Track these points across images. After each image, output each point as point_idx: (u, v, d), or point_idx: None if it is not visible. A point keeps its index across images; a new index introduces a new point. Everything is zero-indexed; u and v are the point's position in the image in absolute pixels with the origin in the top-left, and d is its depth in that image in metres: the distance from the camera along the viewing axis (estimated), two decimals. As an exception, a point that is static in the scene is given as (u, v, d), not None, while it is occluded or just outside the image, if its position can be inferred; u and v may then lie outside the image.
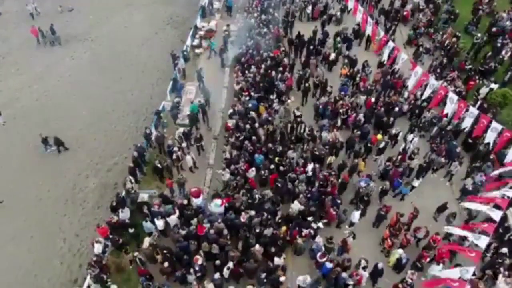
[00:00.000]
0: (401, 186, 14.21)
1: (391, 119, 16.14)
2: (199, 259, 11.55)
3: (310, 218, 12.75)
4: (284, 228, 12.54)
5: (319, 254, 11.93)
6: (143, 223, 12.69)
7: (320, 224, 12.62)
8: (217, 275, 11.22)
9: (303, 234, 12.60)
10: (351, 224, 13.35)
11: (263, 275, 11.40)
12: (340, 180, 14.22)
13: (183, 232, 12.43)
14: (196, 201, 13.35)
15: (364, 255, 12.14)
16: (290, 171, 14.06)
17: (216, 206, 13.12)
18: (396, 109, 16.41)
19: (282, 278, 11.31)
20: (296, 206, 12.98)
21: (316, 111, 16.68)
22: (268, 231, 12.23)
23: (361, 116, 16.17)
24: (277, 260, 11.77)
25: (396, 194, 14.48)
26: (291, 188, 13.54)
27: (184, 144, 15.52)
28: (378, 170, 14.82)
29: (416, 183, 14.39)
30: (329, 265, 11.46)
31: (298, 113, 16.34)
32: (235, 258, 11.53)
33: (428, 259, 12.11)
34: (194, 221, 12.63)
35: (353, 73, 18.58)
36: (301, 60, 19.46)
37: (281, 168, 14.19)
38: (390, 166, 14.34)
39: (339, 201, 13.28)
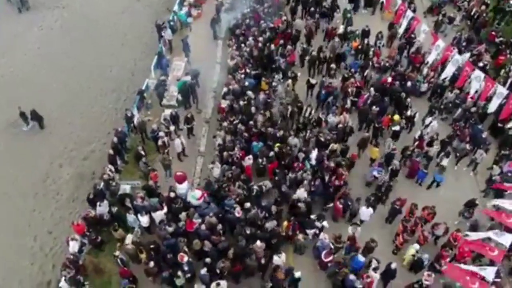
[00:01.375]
0: (436, 174, 14.25)
1: (404, 96, 16.13)
2: (185, 257, 11.54)
3: (313, 216, 12.74)
4: (285, 223, 12.60)
5: (324, 252, 11.93)
6: (127, 215, 12.72)
7: (325, 223, 12.61)
8: (203, 271, 11.25)
9: (308, 234, 12.65)
10: (360, 221, 13.25)
11: (269, 285, 11.44)
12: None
13: (171, 229, 12.37)
14: (180, 188, 13.35)
15: (375, 254, 12.14)
16: (291, 161, 14.01)
17: (193, 198, 13.10)
18: (408, 84, 16.24)
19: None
20: (302, 194, 12.96)
21: (317, 97, 16.48)
22: (270, 224, 12.26)
23: (372, 90, 15.98)
24: (277, 260, 11.77)
25: (429, 186, 14.51)
26: (292, 176, 13.47)
27: (171, 128, 15.44)
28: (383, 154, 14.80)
29: (445, 161, 14.27)
30: (352, 278, 11.33)
31: (313, 81, 16.48)
32: (226, 268, 11.56)
33: (447, 259, 12.07)
34: (183, 215, 12.58)
35: (364, 47, 18.31)
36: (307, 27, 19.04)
37: (282, 155, 14.17)
38: (395, 151, 14.34)
39: (349, 203, 13.21)
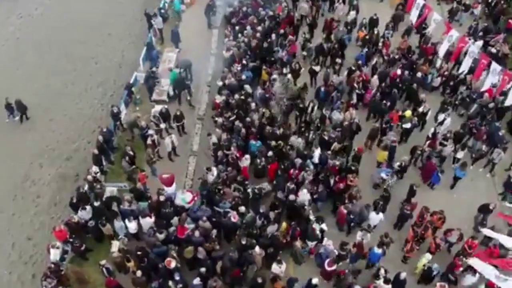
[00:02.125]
0: (457, 170, 14.27)
1: (416, 87, 16.03)
2: (172, 262, 11.44)
3: (312, 217, 12.64)
4: (284, 225, 12.51)
5: (327, 261, 11.78)
6: (114, 222, 12.63)
7: (324, 226, 12.49)
8: (197, 281, 11.17)
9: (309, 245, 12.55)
10: (369, 227, 13.02)
11: None
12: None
13: (161, 236, 12.31)
14: (168, 190, 13.31)
15: (384, 263, 12.06)
16: (290, 165, 13.89)
17: (183, 201, 13.03)
18: (419, 74, 16.15)
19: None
20: (305, 196, 12.89)
21: (316, 94, 16.22)
22: (271, 229, 12.24)
23: (375, 80, 15.90)
24: (276, 269, 11.73)
25: (453, 185, 14.48)
26: (290, 186, 13.32)
27: (162, 126, 15.38)
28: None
29: (460, 154, 14.26)
30: (377, 250, 11.46)
31: (317, 68, 16.47)
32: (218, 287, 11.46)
33: (461, 269, 11.97)
34: (175, 220, 12.58)
35: (373, 37, 18.14)
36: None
37: (281, 155, 14.10)
38: (395, 143, 14.36)
39: (351, 216, 13.02)
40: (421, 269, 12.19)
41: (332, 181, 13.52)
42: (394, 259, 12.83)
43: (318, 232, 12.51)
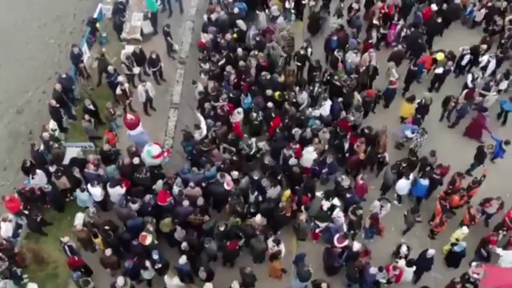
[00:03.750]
0: (502, 101, 14.47)
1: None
2: (148, 238, 11.43)
3: (318, 194, 12.67)
4: (288, 192, 12.52)
5: (337, 236, 11.70)
6: (78, 193, 12.59)
7: (336, 201, 12.45)
8: (183, 260, 11.26)
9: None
10: (399, 198, 13.21)
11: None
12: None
13: (135, 206, 12.16)
14: (131, 133, 13.54)
15: (407, 239, 12.14)
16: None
17: (148, 155, 12.99)
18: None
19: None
20: (311, 155, 12.92)
21: (326, 46, 15.86)
22: (273, 191, 12.29)
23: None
24: (270, 247, 11.73)
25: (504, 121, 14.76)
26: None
27: (136, 70, 15.12)
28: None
29: (503, 84, 14.41)
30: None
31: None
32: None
33: (495, 245, 12.04)
34: (159, 184, 12.57)
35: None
36: None
37: (287, 107, 13.90)
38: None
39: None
40: (449, 248, 12.22)
41: (346, 146, 13.39)
42: (421, 235, 12.87)
43: (324, 203, 12.47)
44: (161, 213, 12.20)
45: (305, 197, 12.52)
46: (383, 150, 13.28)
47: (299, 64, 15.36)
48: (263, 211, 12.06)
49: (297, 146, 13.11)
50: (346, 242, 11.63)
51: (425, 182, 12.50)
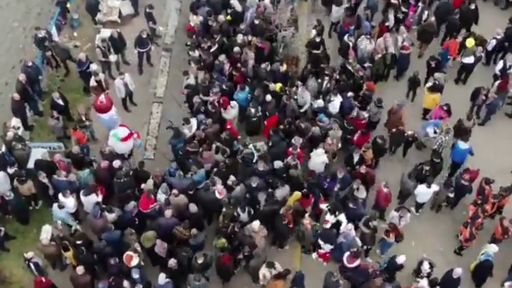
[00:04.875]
0: None
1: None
2: (134, 259, 11.26)
3: (324, 206, 12.37)
4: (296, 195, 12.41)
5: (347, 255, 11.59)
6: (54, 210, 12.30)
7: (342, 217, 12.19)
8: (162, 279, 11.13)
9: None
10: (418, 206, 13.07)
11: None
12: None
13: (112, 216, 12.01)
14: (103, 117, 13.59)
15: (429, 254, 11.99)
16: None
17: (115, 138, 13.08)
18: None
19: None
20: (320, 158, 12.90)
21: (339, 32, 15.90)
22: (282, 192, 12.29)
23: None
24: (264, 273, 11.40)
25: None
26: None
27: (112, 58, 15.02)
28: None
29: None
30: None
31: None
32: None
33: None
34: (149, 183, 12.40)
35: None
36: None
37: (285, 101, 13.92)
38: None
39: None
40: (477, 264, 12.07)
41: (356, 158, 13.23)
42: (446, 251, 12.79)
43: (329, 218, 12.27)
44: (144, 224, 12.17)
45: (307, 201, 12.35)
46: (402, 125, 13.52)
47: (316, 51, 15.06)
48: (264, 216, 11.97)
49: (298, 150, 13.07)
50: (357, 262, 11.47)
51: (465, 145, 12.74)
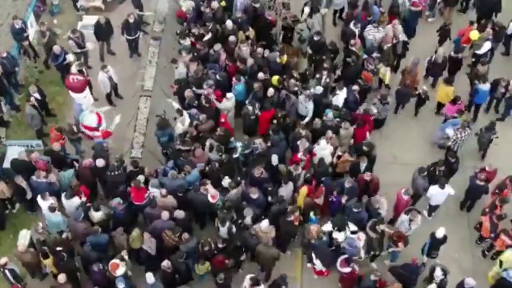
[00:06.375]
0: None
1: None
2: (120, 267, 11.19)
3: (327, 227, 12.20)
4: (304, 190, 12.43)
5: (341, 258, 11.64)
6: (47, 215, 12.17)
7: (349, 233, 12.06)
8: (150, 279, 11.11)
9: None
10: (431, 208, 12.95)
11: None
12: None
13: (99, 214, 11.97)
14: (76, 100, 13.63)
15: (443, 261, 11.80)
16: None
17: (82, 120, 13.26)
18: None
19: None
20: (326, 151, 12.92)
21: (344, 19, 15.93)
22: (285, 189, 12.37)
23: None
24: None
25: None
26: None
27: (90, 46, 15.01)
28: None
29: None
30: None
31: None
32: None
33: None
34: (140, 179, 12.42)
35: None
36: None
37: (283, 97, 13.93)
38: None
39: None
40: (496, 274, 11.87)
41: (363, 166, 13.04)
42: (461, 257, 12.69)
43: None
44: (134, 222, 12.35)
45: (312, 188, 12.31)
46: (418, 84, 13.85)
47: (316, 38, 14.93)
48: (272, 216, 11.97)
49: (308, 156, 13.00)
50: (349, 269, 11.48)
51: (485, 86, 13.22)
